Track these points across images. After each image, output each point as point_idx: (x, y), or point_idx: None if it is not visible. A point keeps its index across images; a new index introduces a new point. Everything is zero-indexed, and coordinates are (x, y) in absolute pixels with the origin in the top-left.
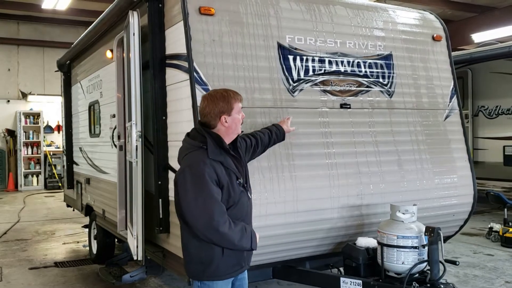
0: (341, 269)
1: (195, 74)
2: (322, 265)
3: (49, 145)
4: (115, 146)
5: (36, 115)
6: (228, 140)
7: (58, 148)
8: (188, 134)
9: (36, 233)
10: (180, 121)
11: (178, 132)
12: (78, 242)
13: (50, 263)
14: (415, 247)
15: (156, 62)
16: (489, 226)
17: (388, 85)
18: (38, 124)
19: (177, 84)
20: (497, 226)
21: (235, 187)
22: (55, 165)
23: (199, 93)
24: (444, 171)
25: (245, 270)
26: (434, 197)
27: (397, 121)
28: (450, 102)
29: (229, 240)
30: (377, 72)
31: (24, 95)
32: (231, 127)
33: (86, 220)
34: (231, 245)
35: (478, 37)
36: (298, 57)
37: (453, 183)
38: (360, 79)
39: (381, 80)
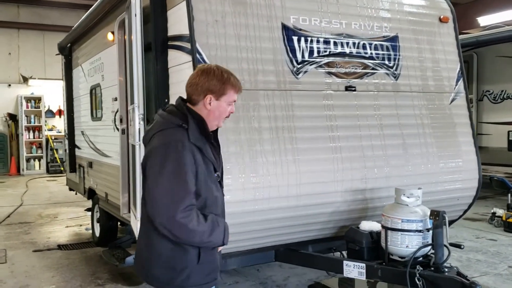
0: (344, 252)
1: (197, 55)
2: (324, 248)
3: (51, 130)
4: (117, 129)
5: (37, 99)
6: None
7: (60, 132)
8: (164, 109)
9: (39, 217)
10: None
11: None
12: (80, 225)
13: (53, 245)
14: (420, 231)
15: (158, 43)
16: (492, 211)
17: (394, 68)
18: (39, 108)
19: (179, 66)
20: (500, 211)
21: (213, 179)
22: (56, 150)
23: None
24: (449, 155)
25: (218, 286)
26: (438, 181)
27: (402, 104)
28: (456, 85)
29: (198, 236)
30: (383, 54)
31: (25, 79)
32: (213, 113)
33: (89, 203)
34: (199, 241)
35: (484, 20)
36: (302, 38)
37: (458, 167)
38: (365, 61)
39: (386, 62)
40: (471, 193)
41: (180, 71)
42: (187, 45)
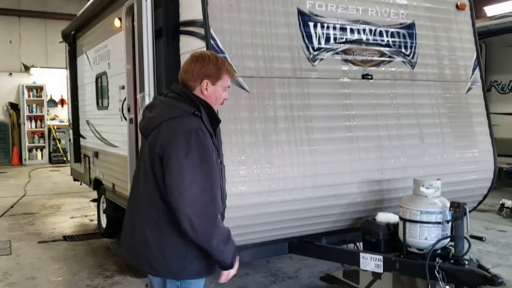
0: (359, 244)
1: (211, 41)
2: (338, 240)
3: (53, 119)
4: (125, 118)
5: (39, 89)
6: None
7: (62, 122)
8: (169, 95)
9: (43, 207)
10: None
11: None
12: (86, 216)
13: (58, 237)
14: (439, 223)
15: (169, 29)
16: (500, 202)
17: (411, 56)
18: (41, 97)
19: (191, 52)
20: (508, 202)
21: (218, 166)
22: (59, 139)
23: None
24: (465, 146)
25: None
26: (454, 172)
27: (419, 93)
28: (472, 74)
29: (217, 237)
30: (400, 42)
31: (27, 68)
32: (210, 98)
33: (93, 194)
34: (216, 245)
35: (491, 10)
36: (319, 24)
37: (474, 157)
38: (382, 49)
39: (403, 50)
40: (486, 184)
41: None
42: (200, 31)
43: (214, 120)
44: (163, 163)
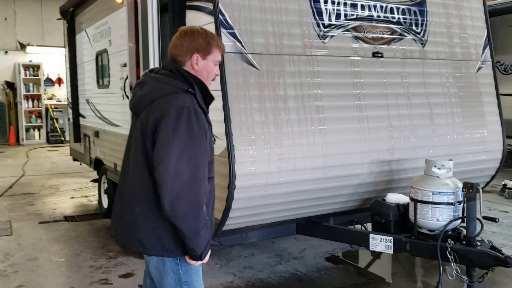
0: (366, 225)
1: (220, 16)
2: (346, 221)
3: (50, 99)
4: (127, 97)
5: (36, 67)
6: None
7: (60, 101)
8: (161, 72)
9: (43, 187)
10: None
11: None
12: (86, 196)
13: (59, 217)
14: (451, 204)
15: (175, 4)
16: (502, 183)
17: (421, 34)
18: (38, 76)
19: None
20: (511, 183)
21: (212, 147)
22: (57, 119)
23: (225, 37)
24: (474, 126)
25: None
26: (464, 152)
27: (429, 72)
28: (482, 53)
29: (196, 223)
30: (410, 19)
31: (23, 46)
32: (201, 73)
33: (93, 174)
34: (190, 230)
35: None
36: (329, 0)
37: (483, 138)
38: (393, 26)
39: (414, 28)
40: (494, 165)
41: None
42: (209, 5)
43: (207, 97)
44: (154, 138)
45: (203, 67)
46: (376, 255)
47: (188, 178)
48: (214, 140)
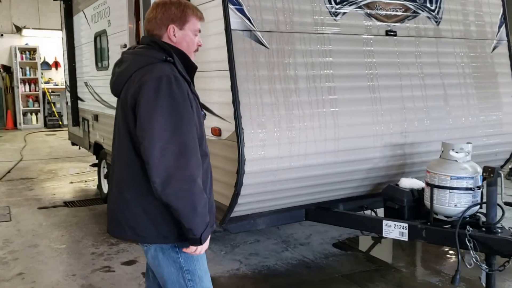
0: (376, 210)
1: None
2: (355, 206)
3: (47, 82)
4: None
5: (32, 51)
6: None
7: (57, 85)
8: (138, 47)
9: (41, 172)
10: (207, 48)
11: (204, 61)
12: (85, 181)
13: (59, 202)
14: (470, 189)
15: None
16: (510, 167)
17: (436, 11)
18: (34, 60)
19: (204, 4)
20: None
21: (201, 116)
22: (54, 103)
23: (233, 14)
24: (489, 107)
25: None
26: (479, 135)
27: (444, 51)
28: (498, 31)
29: (189, 199)
30: None
31: (19, 29)
32: (181, 44)
33: (92, 158)
34: (184, 207)
35: None
36: None
37: (498, 120)
38: (406, 3)
39: (428, 5)
40: (509, 148)
41: (205, 10)
42: None
43: (190, 66)
44: (135, 113)
45: (182, 38)
46: (377, 239)
47: (176, 149)
48: (204, 115)
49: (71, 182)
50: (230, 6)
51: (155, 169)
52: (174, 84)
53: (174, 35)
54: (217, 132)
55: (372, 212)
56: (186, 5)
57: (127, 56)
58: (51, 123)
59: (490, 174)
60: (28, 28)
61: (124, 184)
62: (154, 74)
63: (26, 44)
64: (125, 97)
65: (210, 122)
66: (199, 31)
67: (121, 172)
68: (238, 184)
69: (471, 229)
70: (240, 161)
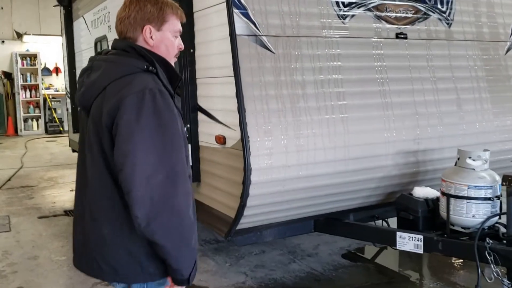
0: (388, 220)
1: None
2: (366, 216)
3: (48, 88)
4: None
5: (33, 57)
6: None
7: (57, 91)
8: (111, 52)
9: (42, 180)
10: (211, 54)
11: (208, 67)
12: None
13: (59, 211)
14: (489, 198)
15: None
16: None
17: (447, 13)
18: (35, 66)
19: (207, 9)
20: None
21: (186, 140)
22: (55, 109)
23: (237, 18)
24: (504, 112)
25: None
26: (493, 141)
27: (456, 54)
28: (511, 33)
29: (177, 235)
30: None
31: (19, 35)
32: (158, 48)
33: None
34: (172, 244)
35: None
36: None
37: None
38: (417, 5)
39: (439, 6)
40: None
41: (208, 15)
42: None
43: (173, 77)
44: (113, 134)
45: (160, 41)
46: (383, 246)
47: (163, 176)
48: (187, 131)
49: (72, 190)
50: (235, 10)
51: (138, 201)
52: (159, 99)
53: (151, 37)
54: (221, 140)
55: (384, 222)
56: (164, 2)
57: (99, 64)
58: (52, 129)
59: (510, 183)
60: (29, 34)
61: (99, 215)
62: (134, 87)
63: (27, 50)
64: (98, 113)
65: (214, 130)
66: (180, 32)
67: (98, 201)
68: (244, 195)
69: (491, 241)
70: (246, 170)
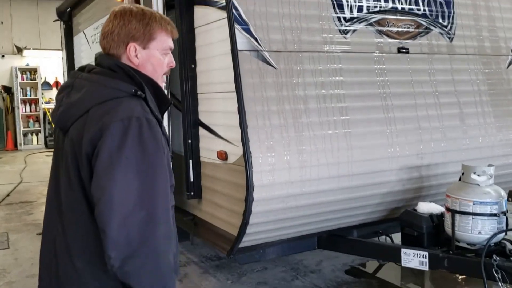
0: (391, 236)
1: (233, 11)
2: (369, 232)
3: (48, 102)
4: None
5: (33, 71)
6: None
7: None
8: (96, 71)
9: (41, 195)
10: (212, 69)
11: (209, 83)
12: None
13: None
14: (495, 215)
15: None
16: None
17: (448, 27)
18: (35, 80)
19: (208, 25)
20: None
21: (171, 168)
22: None
23: (239, 34)
24: (507, 126)
25: None
26: (496, 155)
27: (458, 68)
28: None
29: (164, 278)
30: (437, 11)
31: (19, 50)
32: (144, 67)
33: None
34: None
35: None
36: None
37: None
38: (418, 19)
39: (440, 20)
40: None
41: (209, 31)
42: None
43: (162, 101)
44: (92, 164)
45: (146, 60)
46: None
47: (142, 216)
48: (172, 158)
49: None
50: (236, 26)
51: (112, 241)
52: (146, 128)
53: (136, 56)
54: (223, 156)
55: (387, 237)
56: (152, 17)
57: (81, 82)
58: (52, 143)
59: None
60: (29, 49)
61: (75, 248)
62: (120, 114)
63: (27, 65)
64: (78, 138)
65: (215, 145)
66: (171, 49)
67: (72, 232)
68: (247, 213)
69: (498, 258)
70: (249, 187)
